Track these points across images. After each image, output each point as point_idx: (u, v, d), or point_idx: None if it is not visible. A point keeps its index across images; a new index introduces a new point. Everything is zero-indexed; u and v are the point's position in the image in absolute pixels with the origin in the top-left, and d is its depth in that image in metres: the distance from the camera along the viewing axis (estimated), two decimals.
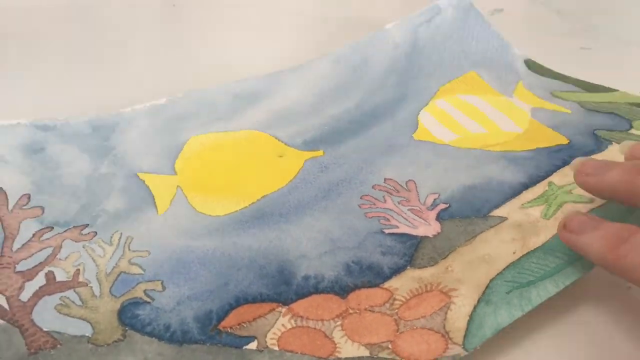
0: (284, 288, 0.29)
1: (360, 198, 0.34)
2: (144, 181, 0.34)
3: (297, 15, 0.48)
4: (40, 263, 0.29)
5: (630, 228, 0.25)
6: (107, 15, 0.48)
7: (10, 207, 0.31)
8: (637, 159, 0.29)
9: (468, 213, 0.32)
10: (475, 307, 0.27)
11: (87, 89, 0.41)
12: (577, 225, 0.27)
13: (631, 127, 0.37)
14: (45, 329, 0.26)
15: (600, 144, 0.36)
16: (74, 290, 0.28)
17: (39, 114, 0.36)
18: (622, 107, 0.39)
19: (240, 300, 0.28)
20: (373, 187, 0.34)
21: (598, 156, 0.35)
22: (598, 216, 0.29)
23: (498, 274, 0.29)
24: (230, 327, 0.27)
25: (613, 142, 0.36)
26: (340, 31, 0.47)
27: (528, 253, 0.30)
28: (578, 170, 0.29)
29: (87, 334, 0.26)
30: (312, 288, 0.29)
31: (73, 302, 0.27)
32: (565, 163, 0.35)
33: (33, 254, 0.29)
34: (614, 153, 0.35)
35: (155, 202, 0.33)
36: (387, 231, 0.32)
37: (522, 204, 0.32)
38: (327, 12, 0.48)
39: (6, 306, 0.26)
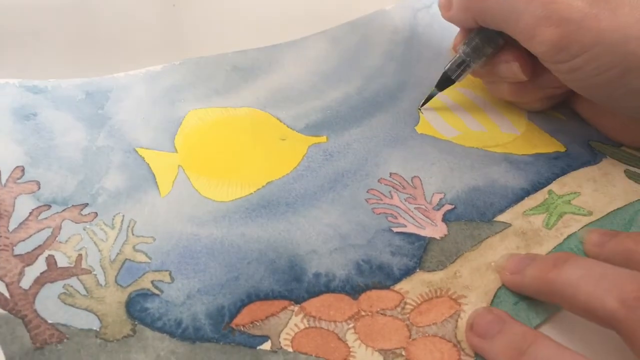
0: (295, 285, 0.28)
1: (367, 192, 0.33)
2: (143, 158, 0.32)
3: (299, 15, 0.47)
4: (40, 246, 0.27)
5: (530, 335, 0.25)
6: (106, 15, 0.45)
7: (4, 180, 0.28)
8: (596, 246, 0.30)
9: (473, 216, 0.33)
10: None
11: None
12: (483, 330, 0.26)
13: (622, 144, 0.38)
14: (50, 321, 0.24)
15: (595, 155, 0.37)
16: (78, 278, 0.26)
17: None
18: None
19: (252, 297, 0.27)
20: (379, 180, 0.34)
21: (594, 168, 0.36)
22: (594, 227, 0.31)
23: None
24: (243, 325, 0.26)
25: (607, 156, 0.37)
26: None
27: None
28: (502, 269, 0.29)
29: (95, 328, 0.25)
30: (324, 287, 0.28)
31: (77, 291, 0.26)
32: (564, 171, 0.35)
33: (31, 235, 0.27)
34: (607, 167, 0.36)
35: (157, 183, 0.31)
36: (395, 229, 0.31)
37: (525, 211, 0.33)
38: (332, 13, 0.46)
39: (7, 294, 0.25)
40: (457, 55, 0.37)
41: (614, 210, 0.33)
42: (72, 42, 0.42)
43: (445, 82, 0.38)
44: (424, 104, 0.39)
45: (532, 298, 0.28)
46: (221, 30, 0.44)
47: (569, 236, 0.32)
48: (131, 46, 0.41)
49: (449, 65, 0.38)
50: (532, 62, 0.35)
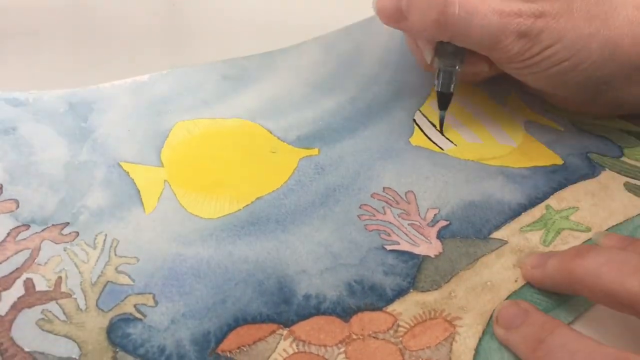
0: (284, 307, 0.27)
1: (360, 207, 0.32)
2: (128, 173, 0.31)
3: (298, 15, 0.46)
4: (17, 269, 0.26)
5: (549, 325, 0.25)
6: (106, 15, 0.44)
7: None
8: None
9: (468, 232, 0.32)
10: (480, 340, 0.27)
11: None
12: (507, 321, 0.27)
13: (622, 154, 0.37)
14: (27, 349, 0.23)
15: (593, 168, 0.36)
16: (57, 302, 0.25)
17: None
18: (613, 132, 0.39)
19: (239, 320, 0.26)
20: (372, 195, 0.33)
21: (593, 181, 0.35)
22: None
23: (500, 304, 0.29)
24: (230, 351, 0.25)
25: (606, 168, 0.36)
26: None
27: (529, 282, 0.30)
28: (523, 263, 0.30)
29: (74, 356, 0.24)
30: (314, 309, 0.27)
31: (56, 316, 0.25)
32: (561, 185, 0.34)
33: (9, 258, 0.26)
34: (607, 180, 0.35)
35: (141, 199, 0.30)
36: (388, 247, 0.30)
37: (521, 228, 0.32)
38: (334, 15, 0.46)
39: None
40: (440, 71, 0.36)
41: (613, 226, 0.32)
42: (72, 41, 0.41)
43: (444, 100, 0.37)
44: (441, 128, 0.38)
45: None
46: (221, 29, 0.43)
47: None
48: (131, 45, 0.41)
49: (439, 83, 0.37)
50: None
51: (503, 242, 0.31)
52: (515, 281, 0.29)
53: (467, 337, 0.27)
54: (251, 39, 0.42)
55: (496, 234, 0.32)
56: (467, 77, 0.39)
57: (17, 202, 0.28)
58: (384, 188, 0.34)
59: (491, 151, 0.37)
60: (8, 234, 0.27)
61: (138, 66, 0.39)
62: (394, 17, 0.35)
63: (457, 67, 0.36)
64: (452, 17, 0.33)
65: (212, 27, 0.44)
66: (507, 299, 0.29)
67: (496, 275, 0.30)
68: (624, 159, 0.37)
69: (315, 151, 0.35)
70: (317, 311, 0.27)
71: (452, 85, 0.37)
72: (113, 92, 0.34)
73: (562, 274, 0.27)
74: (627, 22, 0.33)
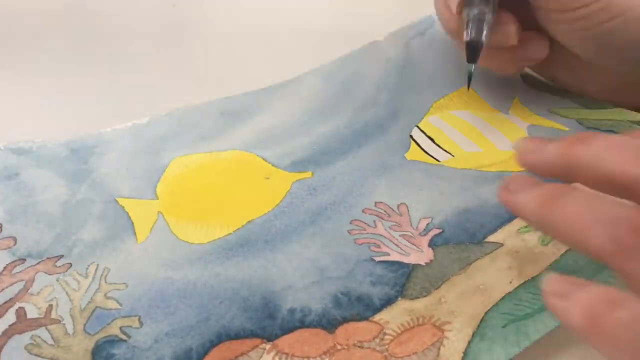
0: (268, 322, 0.27)
1: (350, 223, 0.32)
2: (123, 207, 0.33)
3: (298, 15, 0.47)
4: (11, 299, 0.27)
5: (564, 185, 0.23)
6: (105, 15, 0.46)
7: None
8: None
9: (462, 238, 0.31)
10: (469, 343, 0.26)
11: (84, 88, 0.40)
12: (516, 185, 0.24)
13: None
14: None
15: None
16: (46, 328, 0.26)
17: (37, 116, 0.35)
18: (622, 124, 0.37)
19: (222, 336, 0.27)
20: (363, 210, 0.33)
21: None
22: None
23: (494, 306, 0.27)
24: None
25: None
26: (338, 39, 0.46)
27: (525, 282, 0.28)
28: (519, 148, 0.26)
29: None
30: (298, 322, 0.27)
31: (44, 341, 0.26)
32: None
33: (3, 289, 0.27)
34: None
35: (134, 230, 0.31)
36: (377, 259, 0.30)
37: (519, 229, 0.31)
38: (335, 15, 0.46)
39: None
40: (470, 19, 0.34)
41: None
42: (72, 41, 0.43)
43: (474, 51, 0.35)
44: (469, 84, 0.37)
45: (520, 319, 0.26)
46: (221, 30, 0.44)
47: (566, 251, 0.29)
48: (131, 46, 0.42)
49: (468, 33, 0.34)
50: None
51: (498, 245, 0.30)
52: (510, 282, 0.28)
53: (456, 341, 0.26)
54: (251, 39, 0.42)
55: (491, 238, 0.31)
56: (495, 42, 0.36)
57: (14, 239, 0.30)
58: (375, 202, 0.33)
59: (490, 158, 0.36)
60: (4, 268, 0.28)
61: (138, 66, 0.39)
62: None
63: (486, 14, 0.34)
64: None
65: (212, 28, 0.44)
66: (500, 301, 0.28)
67: (490, 278, 0.29)
68: None
69: (308, 174, 0.35)
70: (302, 324, 0.27)
71: (484, 34, 0.34)
72: (113, 135, 0.36)
73: (560, 158, 0.24)
74: None
